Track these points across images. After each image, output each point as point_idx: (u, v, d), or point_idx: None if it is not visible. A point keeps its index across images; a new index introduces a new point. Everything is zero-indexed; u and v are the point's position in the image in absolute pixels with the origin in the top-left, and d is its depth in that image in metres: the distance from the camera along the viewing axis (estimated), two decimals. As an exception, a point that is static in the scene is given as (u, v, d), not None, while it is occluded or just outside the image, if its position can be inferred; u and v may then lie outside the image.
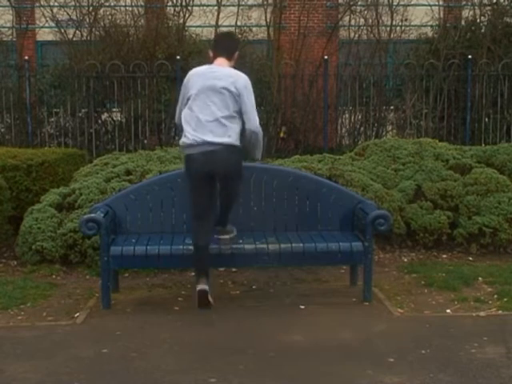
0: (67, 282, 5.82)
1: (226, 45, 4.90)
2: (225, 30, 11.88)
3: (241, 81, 4.68)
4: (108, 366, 4.02)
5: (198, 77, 4.73)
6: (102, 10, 11.56)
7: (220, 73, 4.70)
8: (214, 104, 4.63)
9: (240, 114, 4.70)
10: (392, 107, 11.52)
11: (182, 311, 5.01)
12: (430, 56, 11.17)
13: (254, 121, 4.71)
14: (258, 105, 10.46)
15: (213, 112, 4.63)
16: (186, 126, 4.70)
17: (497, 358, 4.07)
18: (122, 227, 5.33)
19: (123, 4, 11.57)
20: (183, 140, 4.73)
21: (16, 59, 11.63)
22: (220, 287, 5.61)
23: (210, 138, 4.61)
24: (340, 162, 7.33)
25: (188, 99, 4.71)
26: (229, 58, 4.80)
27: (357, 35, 11.88)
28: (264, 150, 4.94)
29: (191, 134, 4.65)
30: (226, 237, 5.03)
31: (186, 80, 4.82)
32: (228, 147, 4.63)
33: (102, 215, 5.01)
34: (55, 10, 11.60)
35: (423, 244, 6.64)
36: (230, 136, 4.63)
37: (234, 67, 4.85)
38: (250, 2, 12.40)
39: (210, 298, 4.74)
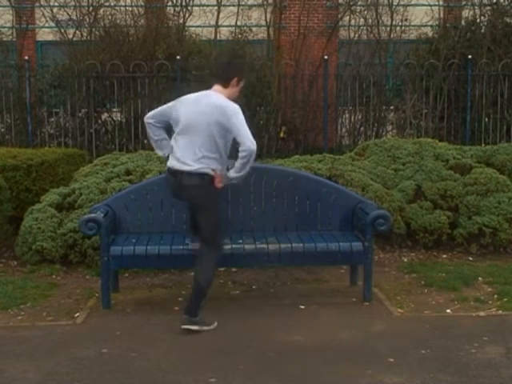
0: (67, 281, 5.82)
1: (222, 71, 4.79)
2: (225, 30, 11.93)
3: (228, 111, 4.53)
4: (108, 365, 4.02)
5: (187, 105, 4.67)
6: (102, 10, 11.55)
7: (207, 104, 4.58)
8: (195, 140, 4.56)
9: (229, 146, 4.65)
10: (392, 107, 11.51)
11: (182, 311, 5.00)
12: (429, 56, 11.16)
13: (248, 139, 4.47)
14: (258, 105, 10.65)
15: (192, 147, 4.56)
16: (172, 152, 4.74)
17: (497, 358, 4.07)
18: (122, 227, 5.33)
19: (123, 4, 11.56)
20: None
21: (16, 59, 11.63)
22: (220, 287, 5.61)
23: (184, 167, 4.58)
24: (340, 162, 7.33)
25: (175, 124, 4.71)
26: (225, 85, 4.68)
27: (357, 35, 11.89)
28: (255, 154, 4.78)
29: (170, 159, 4.73)
30: (194, 327, 4.55)
31: (177, 102, 4.77)
32: (196, 175, 4.55)
33: (102, 215, 5.01)
34: (55, 9, 11.59)
35: (423, 244, 6.64)
36: (201, 163, 4.55)
37: (236, 94, 4.76)
38: (249, 2, 12.39)
39: (206, 328, 4.61)
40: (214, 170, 4.57)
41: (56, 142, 10.84)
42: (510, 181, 6.87)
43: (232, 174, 4.62)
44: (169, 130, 4.87)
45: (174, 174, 4.66)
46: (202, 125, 4.54)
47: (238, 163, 4.57)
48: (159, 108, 4.92)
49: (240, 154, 4.52)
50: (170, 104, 4.86)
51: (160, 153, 4.97)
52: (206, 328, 4.59)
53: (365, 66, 11.40)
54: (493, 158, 7.29)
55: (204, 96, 4.68)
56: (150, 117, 4.89)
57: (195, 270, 4.69)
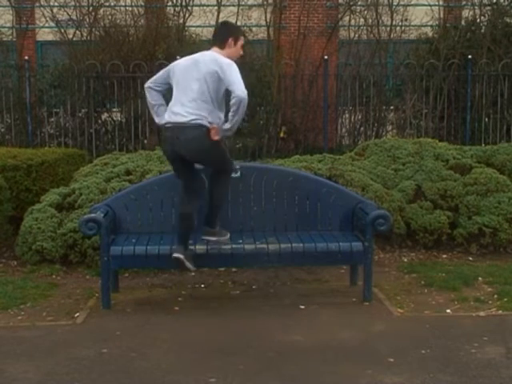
0: (67, 281, 5.82)
1: (218, 33, 5.01)
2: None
3: (222, 63, 4.70)
4: (108, 365, 4.02)
5: (184, 62, 4.87)
6: (102, 10, 11.56)
7: (202, 60, 4.78)
8: (189, 93, 4.72)
9: (221, 99, 4.77)
10: (392, 107, 11.51)
11: (182, 311, 5.01)
12: (429, 56, 11.16)
13: (239, 88, 4.57)
14: (258, 105, 10.64)
15: (186, 100, 4.72)
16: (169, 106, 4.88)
17: (497, 358, 4.07)
18: (122, 227, 5.33)
19: (123, 4, 11.56)
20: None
21: (16, 59, 11.64)
22: (220, 287, 5.61)
23: (179, 118, 4.71)
24: (340, 162, 7.33)
25: (172, 80, 4.87)
26: (221, 45, 4.86)
27: (357, 35, 11.89)
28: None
29: (166, 115, 4.83)
30: (212, 238, 4.98)
31: (174, 62, 4.98)
32: (191, 127, 4.68)
33: (102, 215, 5.01)
34: (55, 9, 11.60)
35: (423, 244, 6.64)
36: (195, 115, 4.68)
37: (236, 55, 4.93)
38: (249, 2, 12.39)
39: (188, 264, 4.82)
40: (210, 122, 4.70)
41: (56, 142, 10.84)
42: (510, 181, 6.87)
43: (226, 125, 4.77)
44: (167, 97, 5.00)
45: (172, 129, 4.76)
46: (195, 78, 4.71)
47: (230, 113, 4.70)
48: (159, 73, 5.04)
49: (230, 103, 4.65)
50: (168, 66, 5.02)
51: (157, 120, 5.01)
52: (222, 239, 4.95)
53: (365, 65, 11.40)
54: (493, 157, 7.29)
55: (200, 55, 4.89)
56: (149, 82, 5.00)
57: (210, 192, 4.94)
